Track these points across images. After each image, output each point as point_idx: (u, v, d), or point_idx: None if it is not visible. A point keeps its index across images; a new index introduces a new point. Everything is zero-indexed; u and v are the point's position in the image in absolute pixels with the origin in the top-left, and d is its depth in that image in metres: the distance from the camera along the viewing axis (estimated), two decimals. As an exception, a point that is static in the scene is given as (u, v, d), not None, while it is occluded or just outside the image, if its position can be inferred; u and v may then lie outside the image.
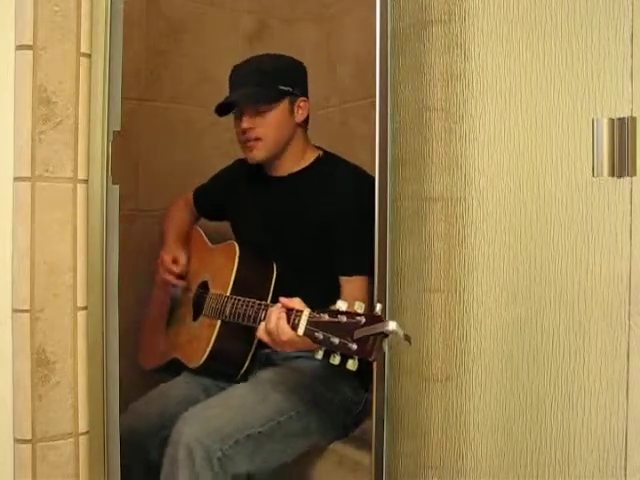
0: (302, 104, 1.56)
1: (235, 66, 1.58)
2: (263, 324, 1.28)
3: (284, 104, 1.54)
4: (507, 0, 1.07)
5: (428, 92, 1.14)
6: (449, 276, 1.13)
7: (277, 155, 1.58)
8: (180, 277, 1.71)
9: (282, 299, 1.26)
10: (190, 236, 1.83)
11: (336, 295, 1.45)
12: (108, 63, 1.07)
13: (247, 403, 1.42)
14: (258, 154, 1.56)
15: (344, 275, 1.49)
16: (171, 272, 1.71)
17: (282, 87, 1.53)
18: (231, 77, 1.57)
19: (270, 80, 1.53)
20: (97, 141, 1.06)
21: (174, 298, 1.78)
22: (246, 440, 1.35)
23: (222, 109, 1.56)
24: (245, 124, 1.53)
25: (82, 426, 1.05)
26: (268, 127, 1.53)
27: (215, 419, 1.35)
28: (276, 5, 2.36)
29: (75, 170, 1.03)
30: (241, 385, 1.50)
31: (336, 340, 1.10)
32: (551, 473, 1.04)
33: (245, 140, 1.55)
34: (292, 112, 1.55)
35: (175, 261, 1.72)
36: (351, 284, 1.47)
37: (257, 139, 1.53)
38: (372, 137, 1.17)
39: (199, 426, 1.33)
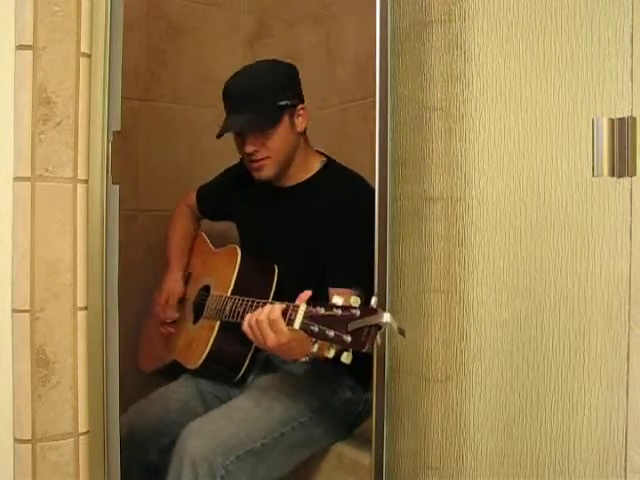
0: (301, 112, 1.54)
1: (228, 83, 1.53)
2: (249, 315, 1.28)
3: (285, 120, 1.51)
4: (507, 0, 1.07)
5: (428, 92, 1.14)
6: (449, 276, 1.13)
7: (284, 169, 1.56)
8: (174, 313, 1.72)
9: (302, 295, 1.25)
10: (194, 242, 1.83)
11: None
12: (108, 63, 1.07)
13: (250, 416, 1.41)
14: (267, 172, 1.53)
15: (332, 287, 1.47)
16: (162, 311, 1.71)
17: (281, 103, 1.50)
18: (226, 95, 1.53)
19: (268, 100, 1.49)
20: (97, 141, 1.06)
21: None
22: (248, 455, 1.35)
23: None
24: (249, 149, 1.50)
25: (82, 426, 1.05)
26: (273, 147, 1.50)
27: (219, 433, 1.35)
28: (276, 5, 2.36)
29: (75, 170, 1.03)
30: (243, 397, 1.49)
31: (331, 333, 1.11)
32: (551, 473, 1.04)
33: (252, 161, 1.53)
34: (293, 124, 1.53)
35: (167, 301, 1.71)
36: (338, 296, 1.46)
37: (263, 159, 1.51)
38: (372, 137, 1.17)
39: (203, 441, 1.33)
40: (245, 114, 1.49)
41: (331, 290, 1.47)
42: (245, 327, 1.30)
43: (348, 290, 1.44)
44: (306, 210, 1.55)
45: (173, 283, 1.74)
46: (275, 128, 1.50)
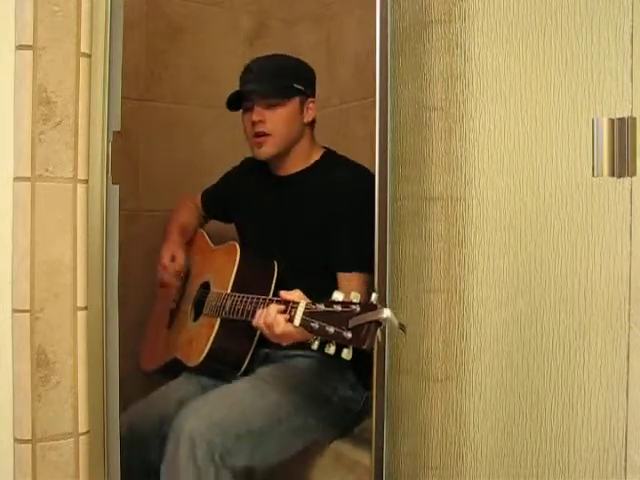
0: (311, 105, 1.58)
1: (247, 64, 1.59)
2: (259, 312, 1.29)
3: (295, 102, 1.55)
4: (507, 0, 1.07)
5: (428, 92, 1.14)
6: (449, 276, 1.13)
7: (284, 153, 1.58)
8: (176, 275, 1.72)
9: (282, 292, 1.27)
10: (194, 239, 1.84)
11: None
12: (108, 63, 1.07)
13: (246, 398, 1.42)
14: (267, 150, 1.55)
15: (341, 271, 1.49)
16: (166, 269, 1.71)
17: (295, 85, 1.55)
18: (243, 73, 1.58)
19: (284, 76, 1.55)
20: (97, 141, 1.06)
21: (175, 300, 1.78)
22: (247, 435, 1.36)
23: (233, 101, 1.57)
24: (255, 117, 1.53)
25: (82, 426, 1.05)
26: (278, 122, 1.53)
27: (215, 413, 1.36)
28: (276, 5, 2.36)
29: (75, 170, 1.03)
30: (240, 381, 1.50)
31: (331, 329, 1.11)
32: (551, 473, 1.04)
33: (254, 135, 1.55)
34: (302, 111, 1.56)
35: (173, 259, 1.72)
36: (348, 281, 1.47)
37: (266, 135, 1.53)
38: (372, 137, 1.17)
39: (200, 420, 1.33)
40: (259, 82, 1.54)
41: (340, 275, 1.48)
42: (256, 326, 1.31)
43: (357, 274, 1.45)
44: (308, 196, 1.57)
45: (174, 243, 1.75)
46: (284, 102, 1.53)
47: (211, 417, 1.34)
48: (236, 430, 1.35)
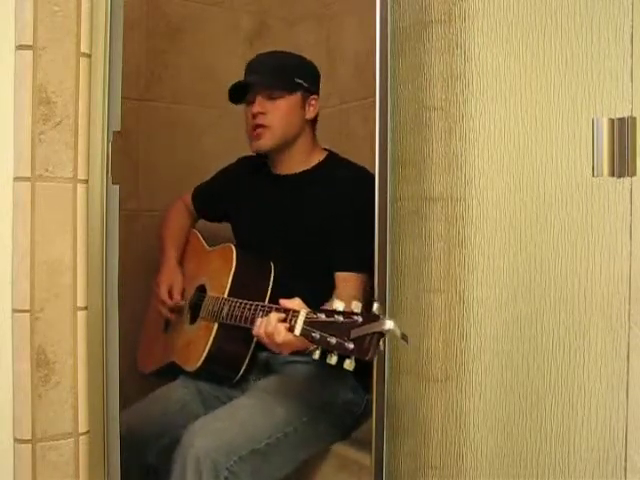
0: (313, 102, 1.59)
1: (253, 58, 1.60)
2: (259, 321, 1.29)
3: (297, 96, 1.56)
4: (507, 0, 1.07)
5: (428, 92, 1.14)
6: (449, 276, 1.13)
7: (283, 149, 1.58)
8: (175, 308, 1.71)
9: (282, 300, 1.27)
10: (188, 240, 1.83)
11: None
12: (108, 63, 1.07)
13: (253, 416, 1.41)
14: (264, 143, 1.56)
15: (339, 271, 1.49)
16: (164, 305, 1.70)
17: (298, 80, 1.56)
18: (248, 66, 1.59)
19: (287, 71, 1.56)
20: (97, 141, 1.06)
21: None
22: (251, 455, 1.35)
23: (236, 93, 1.57)
24: (256, 108, 1.53)
25: (82, 426, 1.05)
26: (278, 115, 1.53)
27: (223, 433, 1.35)
28: (276, 5, 2.36)
29: (75, 170, 1.03)
30: (246, 398, 1.49)
31: (333, 340, 1.10)
32: (551, 473, 1.04)
33: (253, 126, 1.55)
34: (303, 107, 1.57)
35: (170, 294, 1.70)
36: (345, 281, 1.47)
37: (265, 127, 1.53)
38: (372, 137, 1.17)
39: (207, 440, 1.32)
40: (262, 74, 1.55)
41: (337, 275, 1.48)
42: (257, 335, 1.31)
43: (354, 274, 1.45)
44: (310, 198, 1.56)
45: (172, 272, 1.73)
46: (285, 95, 1.54)
47: (218, 436, 1.34)
48: (241, 450, 1.34)
